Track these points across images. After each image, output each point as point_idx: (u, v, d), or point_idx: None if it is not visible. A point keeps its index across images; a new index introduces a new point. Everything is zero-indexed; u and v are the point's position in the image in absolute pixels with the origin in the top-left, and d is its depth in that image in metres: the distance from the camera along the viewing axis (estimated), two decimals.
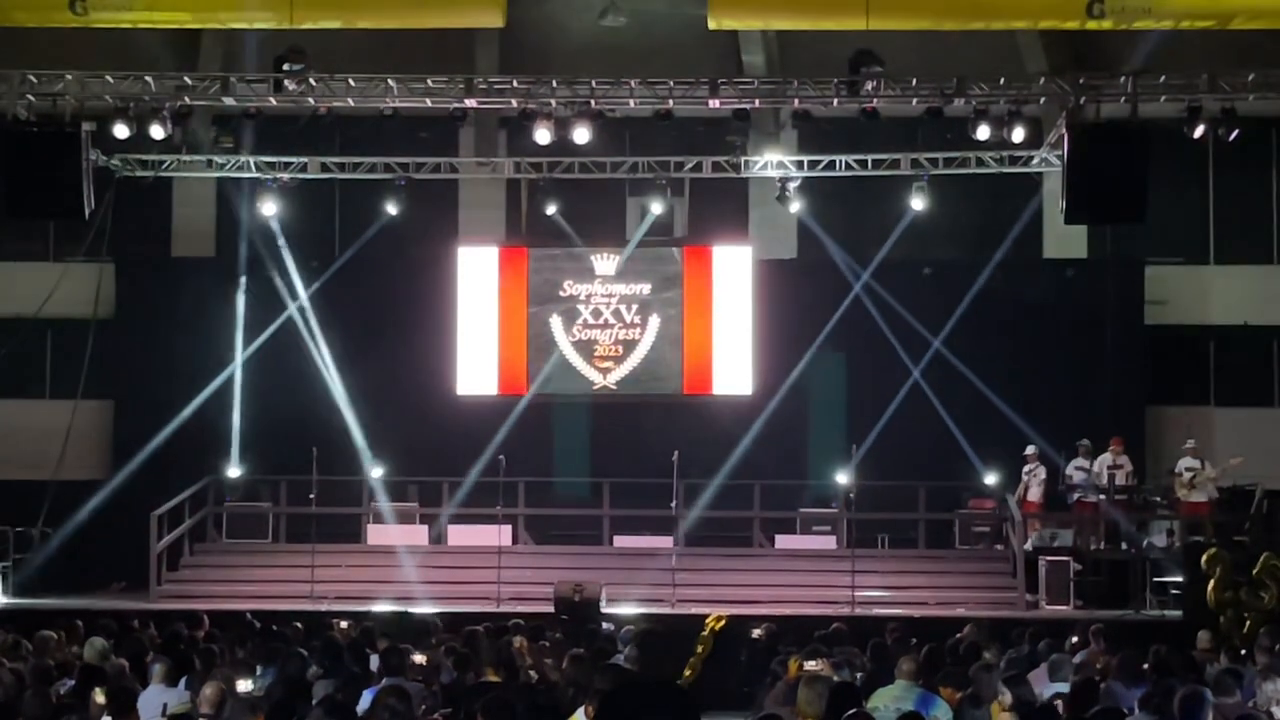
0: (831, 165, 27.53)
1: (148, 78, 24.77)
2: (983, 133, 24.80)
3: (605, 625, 21.08)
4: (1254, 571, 22.38)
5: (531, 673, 16.09)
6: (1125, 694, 13.70)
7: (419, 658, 16.39)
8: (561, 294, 29.64)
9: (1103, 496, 26.74)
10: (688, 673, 22.89)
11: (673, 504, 26.36)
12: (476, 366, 29.64)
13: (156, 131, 24.84)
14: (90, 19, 24.56)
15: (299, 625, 19.63)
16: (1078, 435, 27.20)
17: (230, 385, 28.98)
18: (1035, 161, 26.96)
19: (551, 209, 28.24)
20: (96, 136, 24.49)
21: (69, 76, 24.27)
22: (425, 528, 28.14)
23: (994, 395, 28.02)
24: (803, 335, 28.89)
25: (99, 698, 12.92)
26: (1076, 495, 27.03)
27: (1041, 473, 27.27)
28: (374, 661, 15.69)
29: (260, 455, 28.67)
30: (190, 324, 29.31)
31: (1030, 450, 27.32)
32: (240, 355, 29.11)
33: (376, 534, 28.03)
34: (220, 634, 18.64)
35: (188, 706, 13.16)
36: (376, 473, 28.54)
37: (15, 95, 24.12)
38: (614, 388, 29.54)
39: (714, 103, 25.22)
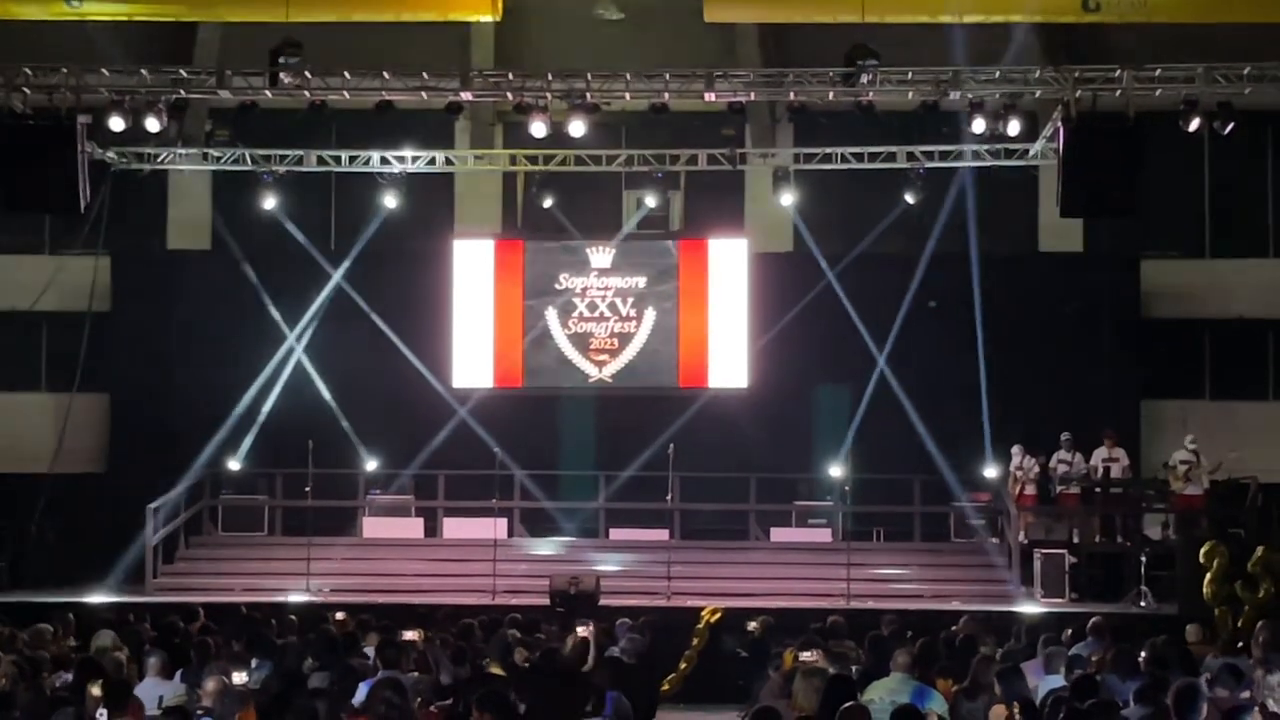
0: (827, 158, 27.48)
1: (143, 71, 24.75)
2: (978, 126, 24.83)
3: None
4: (1250, 565, 22.41)
5: (526, 665, 16.08)
6: (1120, 687, 13.71)
7: (410, 634, 16.45)
8: (557, 287, 29.63)
9: (1098, 490, 26.78)
10: (683, 665, 22.98)
11: (668, 497, 26.38)
12: (472, 359, 29.63)
13: (152, 124, 24.83)
14: (86, 12, 24.62)
15: (293, 618, 19.63)
16: (1073, 428, 27.25)
17: (227, 378, 28.92)
18: (1031, 155, 26.92)
19: (547, 202, 28.21)
20: (92, 129, 24.44)
21: (64, 70, 24.23)
22: (421, 521, 28.14)
23: (990, 389, 28.02)
24: (798, 328, 28.88)
25: (95, 690, 12.93)
26: (1060, 488, 27.10)
27: (1035, 467, 27.30)
28: (369, 654, 15.70)
29: (256, 448, 28.66)
30: (186, 317, 29.26)
31: (1016, 448, 27.36)
32: (235, 350, 29.07)
33: (372, 527, 28.02)
34: (215, 627, 18.64)
35: (184, 699, 13.16)
36: (372, 466, 28.55)
37: (11, 88, 24.08)
38: (610, 381, 29.54)
39: (710, 96, 25.20)
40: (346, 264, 29.33)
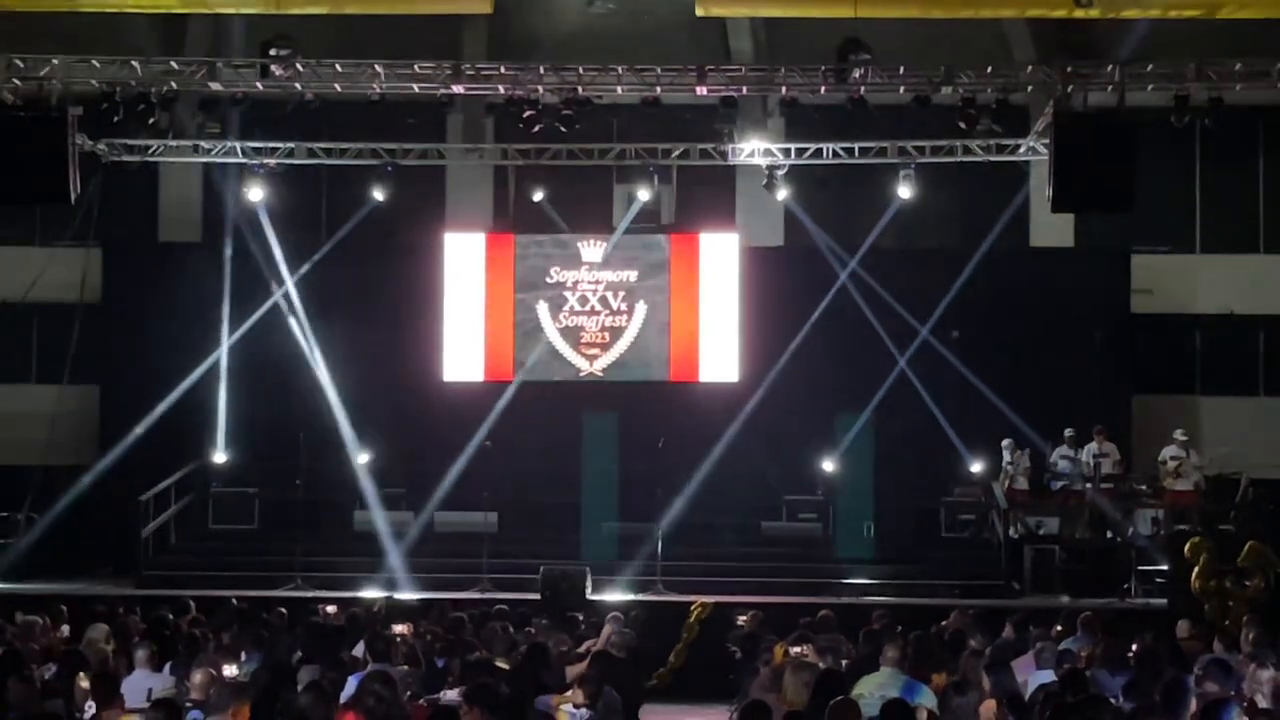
0: (819, 153, 27.48)
1: (134, 62, 24.71)
2: (970, 121, 24.83)
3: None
4: (1239, 559, 22.43)
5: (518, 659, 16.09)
6: (1110, 682, 13.73)
7: (399, 627, 16.46)
8: (548, 280, 29.62)
9: (1089, 485, 26.80)
10: (673, 660, 22.98)
11: (658, 490, 26.36)
12: (463, 353, 29.62)
13: (143, 116, 24.81)
14: (77, 2, 24.55)
15: (282, 611, 19.64)
16: (1064, 424, 27.27)
17: (217, 370, 28.91)
18: (1022, 150, 26.95)
19: (538, 196, 28.19)
20: (83, 121, 24.41)
21: (55, 60, 24.18)
22: (411, 514, 28.10)
23: (981, 384, 28.02)
24: (789, 323, 28.86)
25: (83, 683, 12.92)
26: (1061, 484, 27.09)
27: (1026, 461, 27.32)
28: (359, 647, 15.70)
29: (247, 441, 28.64)
30: (177, 309, 29.23)
31: (1006, 442, 27.36)
32: (227, 341, 28.99)
33: (363, 520, 28.00)
34: (205, 619, 18.63)
35: (173, 692, 13.16)
36: (363, 459, 28.52)
37: (1, 79, 24.05)
38: (600, 375, 29.54)
39: (701, 90, 25.21)
40: (337, 257, 29.26)
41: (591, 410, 29.50)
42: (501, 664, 15.22)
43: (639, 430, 27.75)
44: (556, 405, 29.65)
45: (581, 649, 17.58)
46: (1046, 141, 24.12)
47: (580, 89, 24.90)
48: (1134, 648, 15.73)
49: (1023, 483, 27.30)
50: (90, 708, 12.40)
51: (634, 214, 29.01)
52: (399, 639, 15.93)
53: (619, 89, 25.12)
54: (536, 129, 25.26)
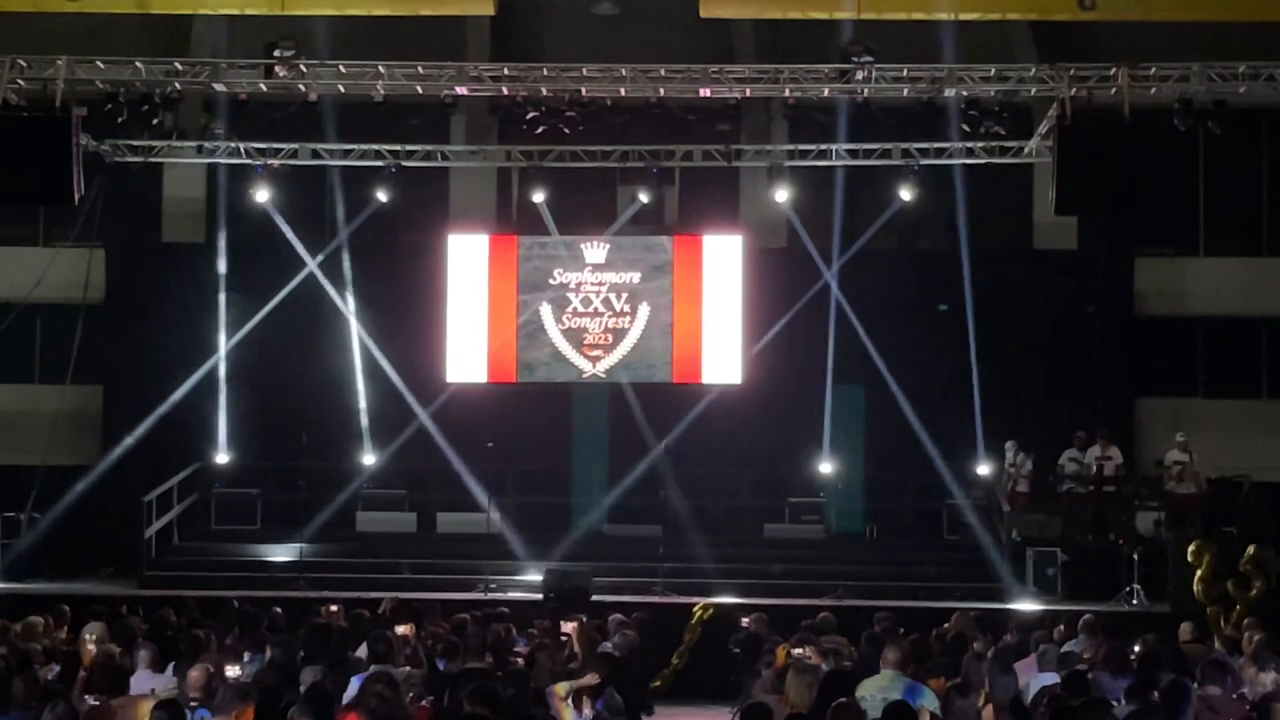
0: (822, 154, 27.50)
1: (138, 63, 24.73)
2: (973, 123, 24.82)
3: None
4: (1242, 563, 22.42)
5: (518, 660, 16.10)
6: (1111, 684, 13.74)
7: (402, 628, 16.46)
8: (551, 282, 29.59)
9: (1092, 487, 26.79)
10: (675, 661, 22.98)
11: (661, 492, 26.35)
12: (466, 354, 29.58)
13: (147, 117, 24.82)
14: (82, 3, 24.56)
15: (278, 610, 19.63)
16: (1067, 427, 27.24)
17: (219, 371, 28.94)
18: (1026, 152, 26.94)
19: (538, 197, 28.16)
20: (87, 121, 24.42)
21: (60, 61, 24.18)
22: (414, 515, 28.12)
23: (983, 386, 28.02)
24: (792, 324, 28.87)
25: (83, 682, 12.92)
26: (1067, 486, 27.06)
27: (1028, 464, 27.31)
28: (361, 648, 15.70)
29: (249, 441, 28.66)
30: (180, 309, 29.25)
31: (1009, 444, 27.35)
32: (229, 341, 29.02)
33: (365, 521, 28.02)
34: (208, 620, 18.64)
35: (175, 692, 13.16)
36: (366, 459, 28.54)
37: (6, 80, 24.04)
38: (603, 376, 29.50)
39: (705, 91, 25.23)
40: (340, 257, 29.29)
41: (594, 412, 29.55)
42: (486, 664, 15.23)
43: (641, 432, 27.74)
44: (559, 407, 29.69)
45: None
46: (1050, 144, 24.12)
47: (584, 90, 24.92)
48: (1136, 650, 15.74)
49: (1024, 485, 27.29)
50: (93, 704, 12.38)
51: (633, 212, 28.98)
52: (401, 640, 15.94)
53: (622, 90, 25.11)
54: (540, 130, 25.27)
